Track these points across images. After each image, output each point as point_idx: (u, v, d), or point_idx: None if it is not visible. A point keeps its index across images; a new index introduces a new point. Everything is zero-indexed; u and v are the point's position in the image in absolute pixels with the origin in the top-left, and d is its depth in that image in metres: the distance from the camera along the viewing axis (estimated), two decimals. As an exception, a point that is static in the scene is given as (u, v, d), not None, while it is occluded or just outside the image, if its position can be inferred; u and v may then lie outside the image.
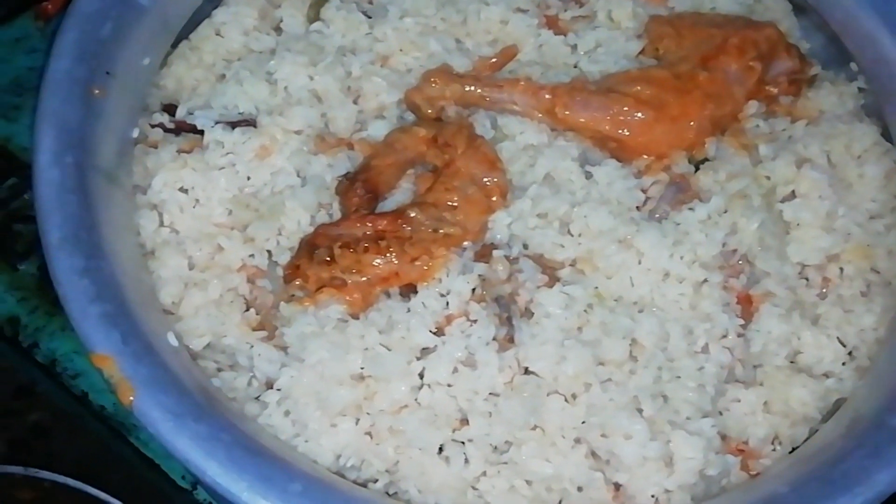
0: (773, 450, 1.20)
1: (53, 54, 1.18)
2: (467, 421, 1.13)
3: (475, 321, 1.17)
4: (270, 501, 0.95)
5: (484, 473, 1.12)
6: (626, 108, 1.29)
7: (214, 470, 0.96)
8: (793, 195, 1.31)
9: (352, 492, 1.02)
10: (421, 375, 1.15)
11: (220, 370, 1.19)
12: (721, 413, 1.20)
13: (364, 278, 1.19)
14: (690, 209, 1.26)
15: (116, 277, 1.07)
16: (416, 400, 1.14)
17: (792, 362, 1.24)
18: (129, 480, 1.42)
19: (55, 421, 1.53)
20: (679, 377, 1.17)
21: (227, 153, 1.28)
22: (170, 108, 1.34)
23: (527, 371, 1.15)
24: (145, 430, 1.43)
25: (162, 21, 1.31)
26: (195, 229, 1.25)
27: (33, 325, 1.54)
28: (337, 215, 1.26)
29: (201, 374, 1.13)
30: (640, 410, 1.14)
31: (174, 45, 1.38)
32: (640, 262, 1.22)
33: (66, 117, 1.14)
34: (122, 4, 1.25)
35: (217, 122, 1.29)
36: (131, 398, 0.99)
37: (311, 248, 1.20)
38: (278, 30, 1.42)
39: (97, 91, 1.18)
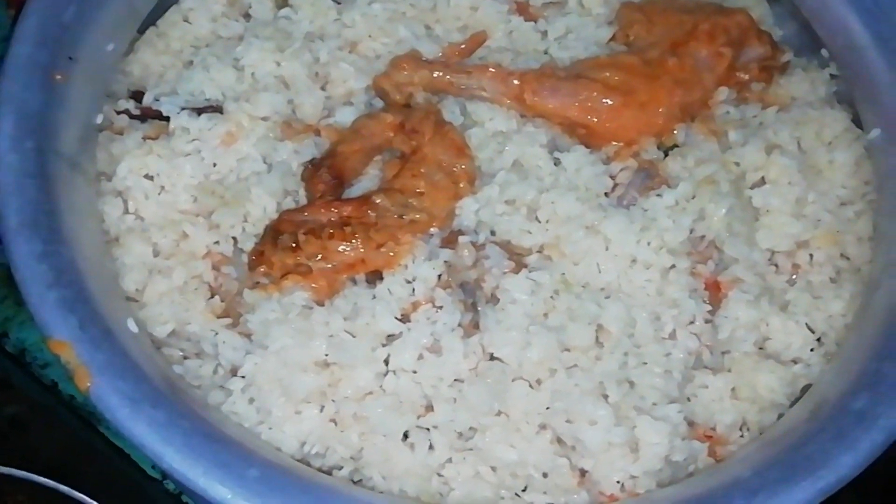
0: (741, 436, 1.20)
1: (15, 39, 1.16)
2: (432, 407, 1.13)
3: (441, 307, 1.16)
4: (227, 487, 0.94)
5: (449, 460, 1.12)
6: (594, 94, 1.29)
7: (171, 456, 0.95)
8: (762, 181, 1.30)
9: (311, 478, 1.02)
10: (386, 362, 1.14)
11: (185, 358, 1.18)
12: (689, 399, 1.20)
13: (329, 265, 1.19)
14: (658, 195, 1.25)
15: (76, 263, 1.06)
16: (380, 387, 1.13)
17: (760, 348, 1.24)
18: (101, 471, 1.42)
19: (32, 414, 1.53)
20: (645, 363, 1.17)
21: (193, 140, 1.27)
22: (137, 95, 1.33)
23: (492, 357, 1.14)
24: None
25: (128, 6, 1.30)
26: (160, 216, 1.24)
27: (2, 315, 1.53)
28: (303, 202, 1.25)
29: (163, 362, 1.12)
30: (605, 396, 1.13)
31: (141, 31, 1.37)
32: (607, 249, 1.21)
33: (27, 102, 1.13)
34: (85, -11, 1.23)
35: (183, 109, 1.28)
36: (88, 384, 0.98)
37: (276, 234, 1.19)
38: (247, 16, 1.41)
39: (59, 76, 1.17)
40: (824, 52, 1.42)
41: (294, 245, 1.18)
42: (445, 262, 1.19)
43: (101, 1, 1.25)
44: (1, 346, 1.53)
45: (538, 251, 1.22)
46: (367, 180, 1.28)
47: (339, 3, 1.39)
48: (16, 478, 1.36)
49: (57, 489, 1.32)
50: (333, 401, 1.13)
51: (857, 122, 1.37)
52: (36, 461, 1.39)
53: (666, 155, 1.31)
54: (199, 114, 1.28)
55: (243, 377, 1.14)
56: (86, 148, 1.22)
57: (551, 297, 1.18)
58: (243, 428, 1.09)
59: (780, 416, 1.20)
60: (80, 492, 1.36)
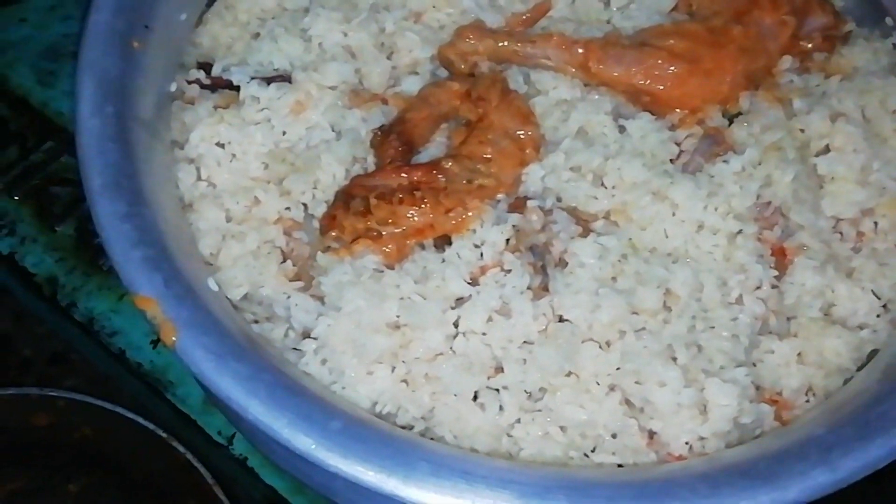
0: (807, 401, 1.20)
1: (93, 7, 1.19)
2: (502, 368, 1.14)
3: (509, 271, 1.18)
4: (311, 438, 0.96)
5: (518, 420, 1.13)
6: (659, 62, 1.29)
7: (256, 408, 0.98)
8: (827, 149, 1.30)
9: (391, 431, 1.04)
10: (456, 324, 1.16)
11: (257, 321, 1.21)
12: (755, 364, 1.20)
13: (399, 229, 1.21)
14: (724, 161, 1.26)
15: (157, 224, 1.09)
16: (451, 348, 1.15)
17: (826, 314, 1.24)
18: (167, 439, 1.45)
19: (90, 386, 1.56)
20: (713, 327, 1.18)
21: (263, 108, 1.29)
22: (206, 66, 1.35)
23: (561, 319, 1.16)
24: (182, 385, 1.48)
25: (193, -13, 1.33)
26: (232, 183, 1.26)
27: (71, 286, 1.57)
28: (372, 169, 1.27)
29: (242, 320, 1.14)
30: (674, 359, 1.14)
31: (209, 4, 1.39)
32: (674, 214, 1.22)
33: (106, 68, 1.16)
34: (152, -29, 1.26)
35: (252, 78, 1.30)
36: (174, 339, 1.00)
37: (348, 198, 1.21)
38: (313, -13, 1.43)
39: (136, 44, 1.20)
40: (888, 20, 1.41)
41: (364, 209, 1.20)
42: (513, 226, 1.20)
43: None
44: (69, 316, 1.57)
45: (605, 217, 1.23)
46: (434, 147, 1.29)
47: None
48: (39, 397, 1.39)
49: (126, 415, 1.35)
50: (404, 362, 1.15)
51: (922, 91, 1.37)
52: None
53: (731, 122, 1.31)
54: (269, 83, 1.30)
55: (316, 338, 1.16)
56: (161, 115, 1.25)
57: (619, 261, 1.19)
58: (321, 384, 1.11)
59: (847, 381, 1.21)
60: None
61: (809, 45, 1.39)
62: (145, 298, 1.02)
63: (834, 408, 1.12)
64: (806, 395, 1.21)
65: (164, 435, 1.41)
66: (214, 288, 1.12)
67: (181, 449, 1.40)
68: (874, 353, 1.22)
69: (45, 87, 1.74)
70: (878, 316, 1.24)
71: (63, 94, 1.73)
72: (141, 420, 1.41)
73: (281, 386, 0.99)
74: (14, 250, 1.59)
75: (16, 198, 1.63)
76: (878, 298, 1.25)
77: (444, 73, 1.36)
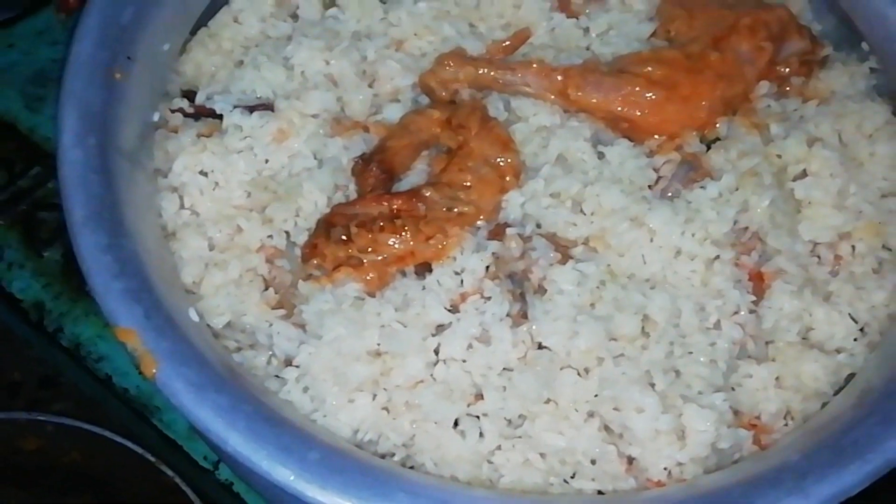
0: (785, 424, 1.21)
1: (76, 38, 1.20)
2: (482, 395, 1.15)
3: (489, 298, 1.19)
4: (290, 469, 0.97)
5: (499, 447, 1.14)
6: (637, 89, 1.31)
7: (235, 440, 0.98)
8: (804, 174, 1.32)
9: (370, 461, 1.04)
10: (436, 351, 1.17)
11: (240, 349, 1.22)
12: (733, 388, 1.21)
13: (380, 257, 1.22)
14: (702, 187, 1.27)
15: (139, 255, 1.10)
16: (431, 375, 1.16)
17: (804, 338, 1.25)
18: (154, 464, 1.45)
19: (78, 410, 1.57)
20: (691, 352, 1.19)
21: (246, 137, 1.30)
22: (189, 94, 1.37)
23: (540, 346, 1.17)
24: (167, 411, 1.49)
25: (181, 8, 1.34)
26: (215, 211, 1.28)
27: (57, 311, 1.58)
28: (353, 196, 1.29)
29: (223, 350, 1.15)
30: (652, 385, 1.15)
31: (193, 33, 1.41)
32: (651, 240, 1.23)
33: (89, 99, 1.17)
34: (140, -7, 1.27)
35: (235, 107, 1.32)
36: (154, 371, 1.01)
37: (328, 227, 1.22)
38: (295, 16, 1.45)
39: (118, 75, 1.21)
40: (864, 45, 1.43)
41: (346, 238, 1.21)
42: (493, 253, 1.21)
43: (158, 2, 1.29)
44: (56, 341, 1.57)
45: (583, 243, 1.24)
46: (415, 175, 1.31)
47: (384, 3, 1.42)
48: (28, 422, 1.40)
49: (114, 440, 1.36)
50: (385, 389, 1.16)
51: (899, 115, 1.38)
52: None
53: (708, 148, 1.33)
54: (251, 112, 1.31)
55: (297, 366, 1.17)
56: (144, 145, 1.26)
57: (597, 287, 1.20)
58: (300, 414, 1.12)
59: (824, 404, 1.22)
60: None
61: (787, 70, 1.40)
62: (126, 330, 1.03)
63: (810, 433, 1.13)
64: (784, 419, 1.22)
65: (153, 459, 1.41)
66: (195, 318, 1.13)
67: (169, 473, 1.41)
68: (851, 376, 1.23)
69: (32, 112, 1.75)
70: (855, 340, 1.25)
71: (51, 119, 1.73)
72: (129, 444, 1.41)
73: (260, 417, 1.00)
74: (1, 276, 1.59)
75: (2, 223, 1.64)
76: (856, 322, 1.26)
77: (425, 100, 1.38)
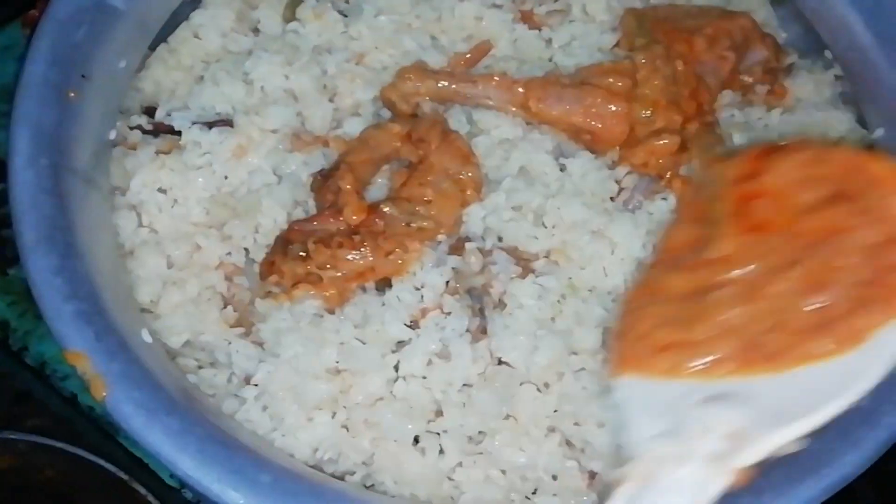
0: (750, 436, 1.21)
1: (28, 58, 1.19)
2: (442, 412, 1.15)
3: (449, 313, 1.18)
4: (240, 493, 0.96)
5: (459, 464, 1.14)
6: (598, 101, 1.30)
7: (186, 463, 0.97)
8: (768, 183, 1.31)
9: (323, 483, 1.03)
10: (396, 368, 1.16)
11: (200, 367, 1.21)
12: (697, 401, 1.21)
13: (339, 273, 1.21)
14: (664, 199, 1.26)
15: (91, 277, 1.09)
16: (391, 392, 1.15)
17: (768, 349, 1.25)
18: (119, 481, 1.44)
19: (54, 426, 1.56)
20: (652, 365, 1.18)
21: (205, 153, 1.29)
22: (150, 111, 1.35)
23: (500, 362, 1.16)
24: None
25: (138, 24, 1.33)
26: (173, 229, 1.26)
27: (23, 329, 1.56)
28: (314, 212, 1.28)
29: (177, 371, 1.14)
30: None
31: (152, 48, 1.40)
32: (613, 253, 1.22)
33: (42, 120, 1.16)
34: (96, 8, 1.26)
35: (194, 123, 1.31)
36: (104, 394, 1.00)
37: (286, 244, 1.21)
38: (256, 31, 1.44)
39: (72, 94, 1.20)
40: (828, 53, 1.43)
41: (304, 254, 1.20)
42: (453, 268, 1.21)
43: (113, 20, 1.28)
44: (21, 360, 1.56)
45: (545, 256, 1.24)
46: (376, 189, 1.30)
47: (346, 17, 1.41)
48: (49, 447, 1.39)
49: (86, 458, 1.35)
50: (345, 407, 1.15)
51: (863, 122, 1.38)
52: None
53: (670, 159, 1.32)
54: (210, 128, 1.30)
55: (256, 385, 1.16)
56: (100, 163, 1.24)
57: (558, 301, 1.19)
58: (257, 435, 1.11)
59: (789, 415, 1.21)
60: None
61: (750, 79, 1.40)
62: (75, 353, 1.02)
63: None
64: (749, 430, 1.21)
65: (126, 477, 1.40)
66: (148, 339, 1.12)
67: (142, 490, 1.40)
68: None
69: (-2, 128, 1.73)
70: (819, 350, 1.24)
71: (16, 136, 1.72)
72: (102, 462, 1.40)
73: (212, 440, 0.99)
74: (-35, 295, 1.58)
75: (-33, 241, 1.63)
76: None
77: (387, 114, 1.37)
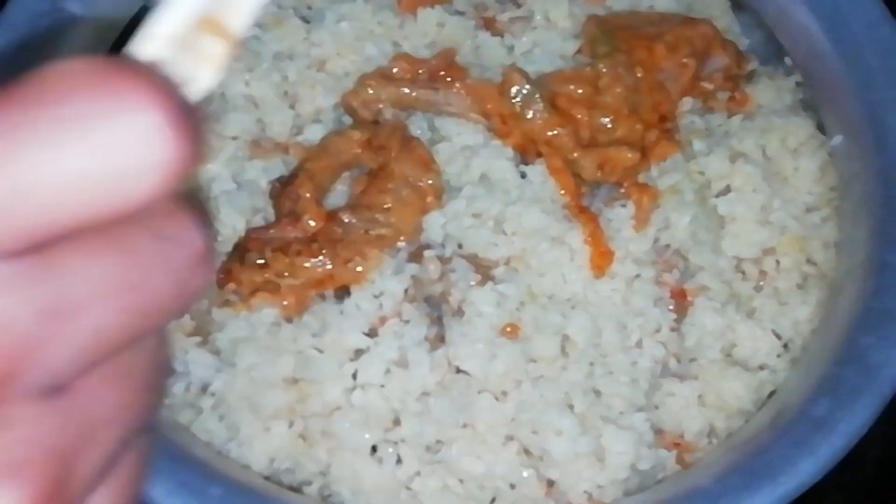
0: (710, 442, 1.21)
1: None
2: (400, 421, 1.14)
3: (408, 321, 1.18)
4: (189, 505, 0.95)
5: (417, 473, 1.13)
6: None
7: (135, 475, 0.96)
8: (727, 189, 1.31)
9: (276, 495, 1.03)
10: (354, 377, 1.15)
11: (159, 376, 1.19)
12: (656, 407, 1.21)
13: (297, 281, 1.20)
14: (623, 206, 1.27)
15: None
16: (349, 401, 1.14)
17: (728, 355, 1.25)
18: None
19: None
20: (612, 372, 1.18)
21: (163, 160, 1.28)
22: (110, 118, 1.34)
23: (458, 370, 1.16)
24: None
25: (96, 30, 1.32)
26: (132, 237, 1.25)
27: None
28: (272, 220, 1.27)
29: (131, 381, 1.13)
30: (571, 406, 1.14)
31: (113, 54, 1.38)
32: (572, 260, 1.22)
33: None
34: (53, 14, 1.25)
35: (153, 130, 1.29)
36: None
37: (243, 252, 1.20)
38: (217, 37, 1.43)
39: None
40: (788, 59, 1.43)
41: (262, 262, 1.19)
42: (412, 276, 1.20)
43: (69, 26, 1.27)
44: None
45: (505, 263, 1.23)
46: (336, 196, 1.29)
47: (307, 23, 1.41)
48: None
49: None
50: (302, 417, 1.14)
51: (822, 128, 1.38)
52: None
53: (631, 166, 1.32)
54: (169, 135, 1.29)
55: (213, 395, 1.15)
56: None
57: (517, 308, 1.19)
58: (210, 447, 1.11)
59: (748, 422, 1.21)
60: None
61: (711, 86, 1.40)
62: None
63: (727, 453, 1.13)
64: (708, 437, 1.21)
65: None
66: (101, 349, 1.10)
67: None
68: (774, 393, 1.23)
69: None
70: (778, 356, 1.25)
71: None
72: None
73: (162, 453, 0.98)
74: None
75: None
76: (779, 338, 1.26)
77: (349, 120, 1.36)
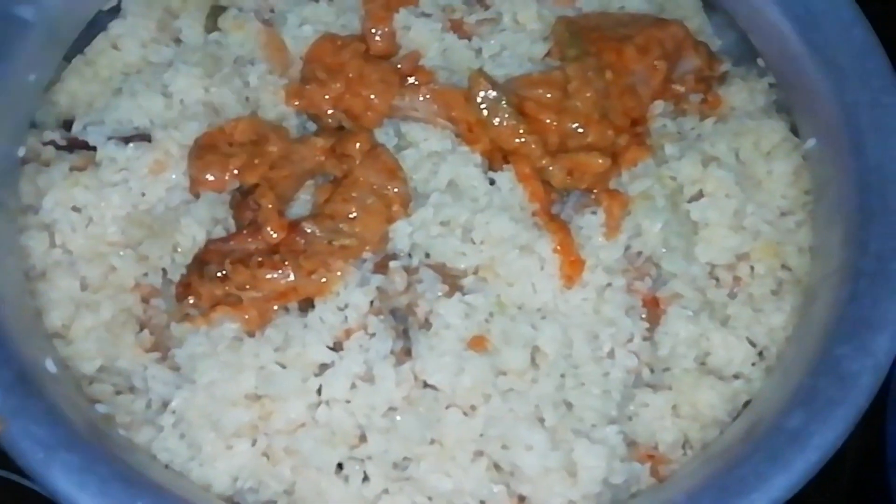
0: (684, 454, 1.19)
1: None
2: (366, 438, 1.11)
3: (373, 335, 1.14)
4: (144, 532, 0.92)
5: (385, 491, 1.10)
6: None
7: (86, 502, 0.93)
8: (700, 194, 1.29)
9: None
10: (318, 392, 1.12)
11: (118, 392, 1.16)
12: (630, 419, 1.18)
13: (260, 294, 1.17)
14: (593, 213, 1.24)
15: (-9, 305, 1.04)
16: (313, 418, 1.11)
17: (702, 364, 1.22)
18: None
19: None
20: (583, 384, 1.15)
21: (121, 169, 1.24)
22: (68, 125, 1.30)
23: (425, 384, 1.13)
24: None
25: (50, 35, 1.27)
26: (88, 249, 1.21)
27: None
28: (234, 230, 1.23)
29: (85, 403, 1.09)
30: (541, 420, 1.12)
31: (68, 59, 1.34)
32: (542, 268, 1.19)
33: (-59, 139, 1.11)
34: (2, 20, 1.21)
35: (110, 138, 1.26)
36: (1, 429, 0.95)
37: (202, 264, 1.17)
38: (178, 41, 1.39)
39: (-25, 115, 1.14)
40: (760, 60, 1.41)
41: (222, 274, 1.16)
42: (378, 287, 1.17)
43: (21, 31, 1.23)
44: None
45: (473, 273, 1.20)
46: (299, 206, 1.26)
47: (269, 26, 1.37)
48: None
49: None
50: (265, 434, 1.11)
51: (796, 131, 1.36)
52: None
53: (601, 171, 1.29)
54: (127, 143, 1.25)
55: (173, 412, 1.11)
56: (6, 182, 1.19)
57: (486, 320, 1.16)
58: (169, 469, 1.07)
59: (723, 432, 1.19)
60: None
61: (683, 88, 1.37)
62: (-29, 387, 0.96)
63: (701, 467, 1.10)
64: (683, 448, 1.19)
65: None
66: (53, 370, 1.07)
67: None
68: (749, 402, 1.20)
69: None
70: (753, 364, 1.22)
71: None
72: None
73: (115, 477, 0.95)
74: None
75: None
76: (754, 346, 1.23)
77: (313, 127, 1.33)
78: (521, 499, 1.11)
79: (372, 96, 1.29)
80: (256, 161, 1.24)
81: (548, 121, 1.26)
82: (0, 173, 1.18)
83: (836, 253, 1.23)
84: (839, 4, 1.31)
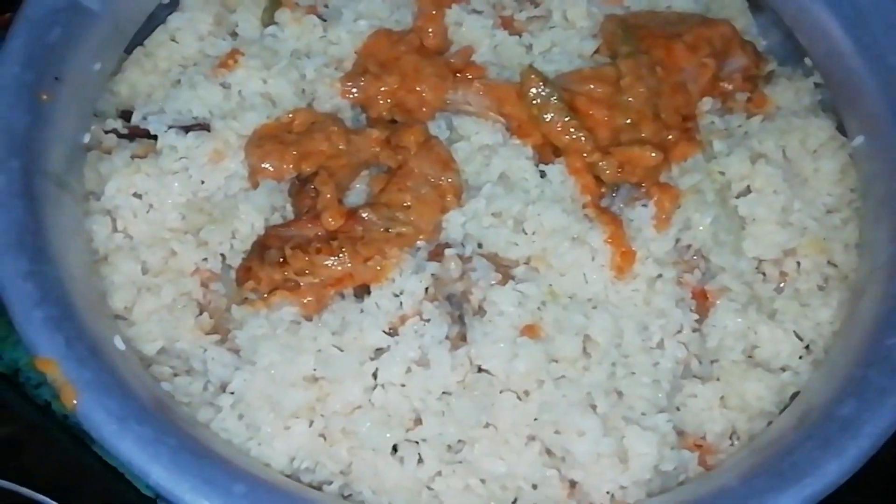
0: (732, 444, 1.20)
1: (0, 59, 1.17)
2: (421, 421, 1.13)
3: (428, 320, 1.17)
4: (213, 503, 0.94)
5: (439, 473, 1.12)
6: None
7: (158, 472, 0.95)
8: (748, 190, 1.31)
9: (299, 493, 1.02)
10: (375, 376, 1.14)
11: (176, 375, 1.18)
12: (678, 409, 1.20)
13: (317, 279, 1.19)
14: (644, 206, 1.26)
15: (62, 282, 1.07)
16: (369, 400, 1.13)
17: (749, 357, 1.24)
18: (95, 491, 1.41)
19: (28, 434, 1.52)
20: (633, 373, 1.17)
21: (181, 158, 1.27)
22: (126, 114, 1.33)
23: (480, 369, 1.15)
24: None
25: (113, 26, 1.31)
26: (148, 234, 1.24)
27: (-6, 336, 1.53)
28: (291, 218, 1.26)
29: (151, 379, 1.12)
30: (593, 407, 1.13)
31: (129, 51, 1.38)
32: (593, 259, 1.21)
33: (13, 122, 1.14)
34: (71, 10, 1.24)
35: (171, 127, 1.29)
36: (75, 402, 0.98)
37: (263, 249, 1.19)
38: (234, 34, 1.42)
39: (45, 96, 1.18)
40: (807, 60, 1.43)
41: (281, 260, 1.18)
42: (432, 274, 1.19)
43: (87, 22, 1.26)
44: (-6, 367, 1.53)
45: (525, 263, 1.22)
46: (354, 195, 1.28)
47: (324, 21, 1.40)
48: (12, 493, 1.35)
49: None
50: (322, 416, 1.13)
51: (842, 129, 1.38)
52: (30, 481, 1.39)
53: (651, 166, 1.31)
54: (187, 132, 1.28)
55: (232, 393, 1.14)
56: (73, 167, 1.22)
57: (538, 308, 1.18)
58: (232, 445, 1.09)
59: (770, 423, 1.20)
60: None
61: (730, 87, 1.39)
62: (46, 360, 1.00)
63: (752, 455, 1.12)
64: (730, 438, 1.20)
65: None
66: (121, 347, 1.10)
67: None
68: (796, 394, 1.22)
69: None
70: (800, 358, 1.24)
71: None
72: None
73: (185, 449, 0.97)
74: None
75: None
76: (801, 340, 1.25)
77: (365, 119, 1.35)
78: (573, 484, 1.13)
79: (425, 90, 1.32)
80: (314, 151, 1.26)
81: (599, 116, 1.28)
82: (67, 159, 1.21)
83: (882, 249, 1.24)
84: (886, 3, 1.33)
